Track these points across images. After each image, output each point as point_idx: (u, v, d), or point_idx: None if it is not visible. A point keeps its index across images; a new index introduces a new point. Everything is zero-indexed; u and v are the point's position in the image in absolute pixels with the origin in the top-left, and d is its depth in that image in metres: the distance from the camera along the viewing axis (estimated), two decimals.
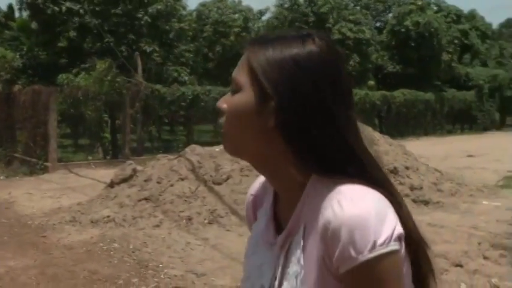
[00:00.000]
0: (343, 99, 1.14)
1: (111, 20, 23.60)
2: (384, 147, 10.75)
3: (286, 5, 35.01)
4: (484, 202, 10.00)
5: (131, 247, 7.32)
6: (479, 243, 7.24)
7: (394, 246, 1.04)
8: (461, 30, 39.55)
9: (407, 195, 9.55)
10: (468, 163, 15.47)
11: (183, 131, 26.27)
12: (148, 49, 23.58)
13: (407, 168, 10.20)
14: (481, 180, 12.41)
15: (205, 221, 8.35)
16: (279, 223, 1.25)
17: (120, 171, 10.17)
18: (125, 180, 9.80)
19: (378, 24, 40.29)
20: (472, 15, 44.39)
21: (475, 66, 39.91)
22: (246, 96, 1.16)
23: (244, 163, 9.70)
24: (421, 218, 8.90)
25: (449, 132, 34.91)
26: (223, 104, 1.19)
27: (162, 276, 6.30)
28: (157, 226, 8.17)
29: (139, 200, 8.94)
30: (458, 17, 41.68)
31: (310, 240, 1.13)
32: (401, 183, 9.76)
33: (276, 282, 1.18)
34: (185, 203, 8.72)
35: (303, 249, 1.14)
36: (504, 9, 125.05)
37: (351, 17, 33.28)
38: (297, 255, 1.15)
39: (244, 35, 35.39)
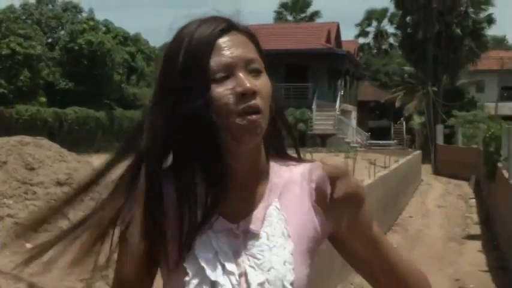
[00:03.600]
0: None
1: None
2: (73, 164, 11.02)
3: None
4: None
5: None
6: None
7: None
8: (129, 53, 41.23)
9: None
10: None
11: None
12: None
13: None
14: None
15: None
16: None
17: None
18: None
19: (49, 40, 39.60)
20: (137, 39, 46.38)
21: (141, 87, 41.92)
22: (267, 78, 1.21)
23: None
24: None
25: None
26: (254, 85, 1.16)
27: None
28: None
29: None
30: (125, 39, 43.25)
31: (289, 210, 1.22)
32: (92, 199, 10.21)
33: (248, 263, 1.18)
34: None
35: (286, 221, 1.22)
36: (163, 32, 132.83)
37: (21, 31, 32.23)
38: (281, 229, 1.20)
39: None
